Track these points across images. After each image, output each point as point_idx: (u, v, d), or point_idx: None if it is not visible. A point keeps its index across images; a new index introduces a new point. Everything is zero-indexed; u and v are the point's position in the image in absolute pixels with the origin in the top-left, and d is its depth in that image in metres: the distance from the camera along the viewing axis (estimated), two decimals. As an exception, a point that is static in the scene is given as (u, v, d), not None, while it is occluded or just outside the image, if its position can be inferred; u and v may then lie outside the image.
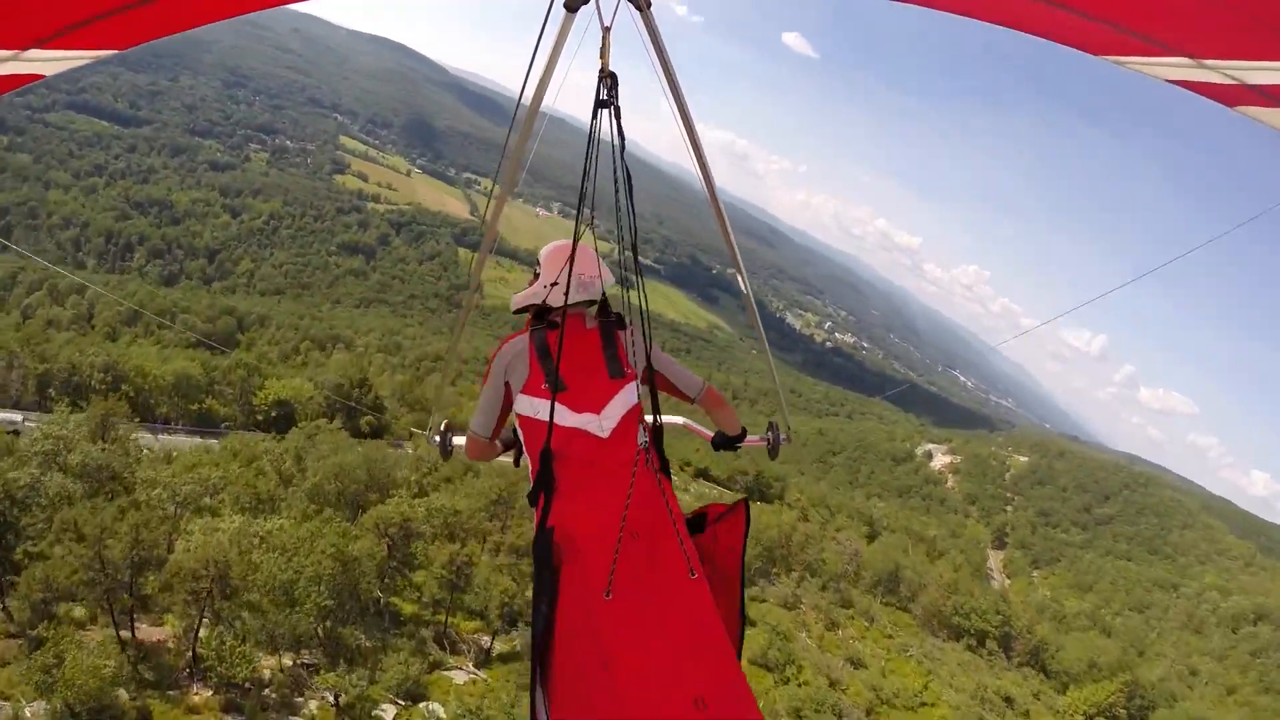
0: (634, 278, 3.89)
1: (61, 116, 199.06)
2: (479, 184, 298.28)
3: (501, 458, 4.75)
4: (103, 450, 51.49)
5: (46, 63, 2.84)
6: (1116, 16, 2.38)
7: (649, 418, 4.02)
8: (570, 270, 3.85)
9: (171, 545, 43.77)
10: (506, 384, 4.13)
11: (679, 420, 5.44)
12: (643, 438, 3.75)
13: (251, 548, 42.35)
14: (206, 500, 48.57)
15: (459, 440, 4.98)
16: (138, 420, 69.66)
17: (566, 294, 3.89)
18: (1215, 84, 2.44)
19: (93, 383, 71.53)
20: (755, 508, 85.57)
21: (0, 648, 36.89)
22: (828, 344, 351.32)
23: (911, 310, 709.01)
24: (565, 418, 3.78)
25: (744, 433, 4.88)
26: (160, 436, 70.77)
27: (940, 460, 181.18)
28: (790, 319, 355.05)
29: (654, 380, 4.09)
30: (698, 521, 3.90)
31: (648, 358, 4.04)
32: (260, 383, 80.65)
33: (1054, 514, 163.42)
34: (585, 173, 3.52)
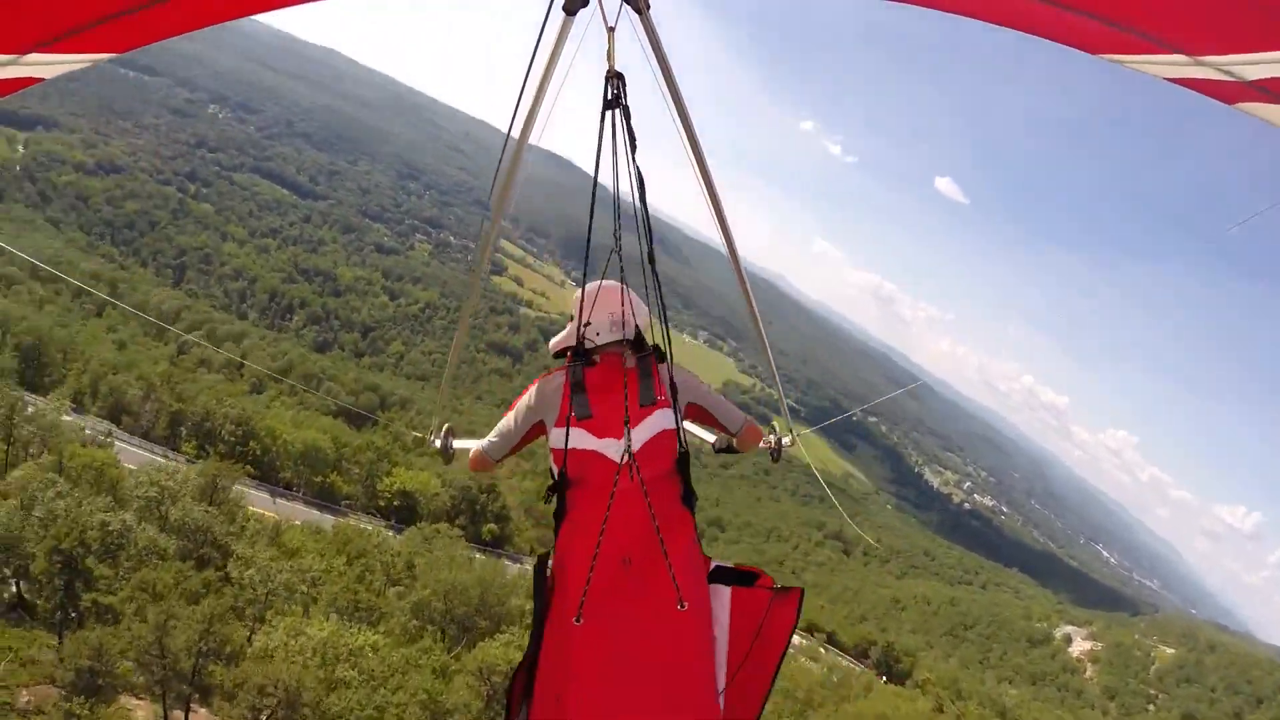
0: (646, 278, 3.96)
1: (248, 178, 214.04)
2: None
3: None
4: (206, 512, 49.33)
5: (46, 66, 2.84)
6: (1113, 13, 2.38)
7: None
8: (582, 302, 4.13)
9: (251, 636, 40.97)
10: (537, 424, 4.18)
11: (690, 428, 4.79)
12: (627, 454, 3.68)
13: (337, 660, 37.77)
14: (302, 589, 44.81)
15: (460, 444, 5.25)
16: (258, 479, 69.64)
17: (581, 319, 4.12)
18: (1212, 80, 2.43)
19: (223, 433, 71.58)
20: (888, 690, 79.62)
21: (40, 694, 34.83)
22: (965, 505, 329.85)
23: (1055, 474, 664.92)
24: (586, 442, 3.80)
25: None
26: (277, 500, 70.14)
27: (1079, 646, 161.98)
28: (929, 475, 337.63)
29: (677, 402, 4.03)
30: (745, 577, 3.85)
31: (670, 379, 4.07)
32: (388, 468, 78.26)
33: (1202, 719, 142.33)
34: (595, 178, 3.59)
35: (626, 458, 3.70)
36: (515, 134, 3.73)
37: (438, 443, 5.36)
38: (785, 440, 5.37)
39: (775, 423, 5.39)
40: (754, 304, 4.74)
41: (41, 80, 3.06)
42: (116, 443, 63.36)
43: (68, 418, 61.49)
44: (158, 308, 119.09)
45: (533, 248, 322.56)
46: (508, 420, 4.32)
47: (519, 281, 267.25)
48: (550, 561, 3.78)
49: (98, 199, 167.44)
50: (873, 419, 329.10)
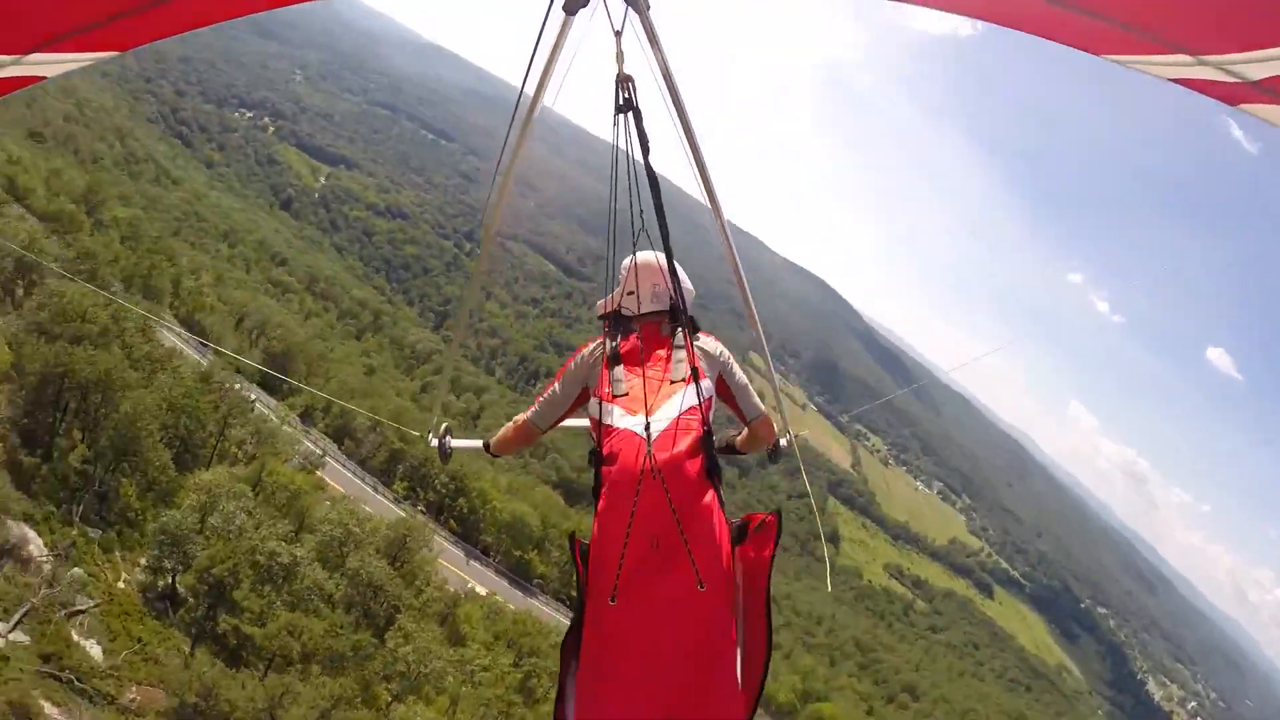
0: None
1: (520, 248, 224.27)
2: (869, 439, 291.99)
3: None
4: (386, 569, 46.78)
5: (48, 65, 2.90)
6: (1113, 13, 2.39)
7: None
8: (622, 278, 4.37)
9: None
10: (584, 389, 4.28)
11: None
12: (652, 430, 3.71)
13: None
14: (454, 680, 42.01)
15: (458, 444, 5.31)
16: (459, 536, 70.46)
17: (623, 288, 4.38)
18: (1215, 81, 2.41)
19: (435, 483, 71.87)
20: None
21: (149, 696, 34.34)
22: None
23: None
24: (622, 420, 3.87)
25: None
26: (471, 562, 69.96)
27: None
28: (1151, 685, 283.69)
29: (698, 379, 4.00)
30: (740, 531, 3.90)
31: (693, 366, 4.02)
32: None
33: None
34: (614, 181, 3.62)
35: (648, 442, 3.71)
36: (515, 134, 3.73)
37: (434, 442, 5.32)
38: (783, 441, 5.24)
39: (774, 423, 5.00)
40: (749, 298, 4.67)
41: (44, 79, 3.09)
42: (330, 461, 64.62)
43: (289, 429, 61.95)
44: (412, 346, 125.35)
45: (781, 366, 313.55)
46: (555, 389, 4.36)
47: (761, 397, 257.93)
48: (589, 538, 3.78)
49: (381, 237, 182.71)
50: (1102, 609, 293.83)
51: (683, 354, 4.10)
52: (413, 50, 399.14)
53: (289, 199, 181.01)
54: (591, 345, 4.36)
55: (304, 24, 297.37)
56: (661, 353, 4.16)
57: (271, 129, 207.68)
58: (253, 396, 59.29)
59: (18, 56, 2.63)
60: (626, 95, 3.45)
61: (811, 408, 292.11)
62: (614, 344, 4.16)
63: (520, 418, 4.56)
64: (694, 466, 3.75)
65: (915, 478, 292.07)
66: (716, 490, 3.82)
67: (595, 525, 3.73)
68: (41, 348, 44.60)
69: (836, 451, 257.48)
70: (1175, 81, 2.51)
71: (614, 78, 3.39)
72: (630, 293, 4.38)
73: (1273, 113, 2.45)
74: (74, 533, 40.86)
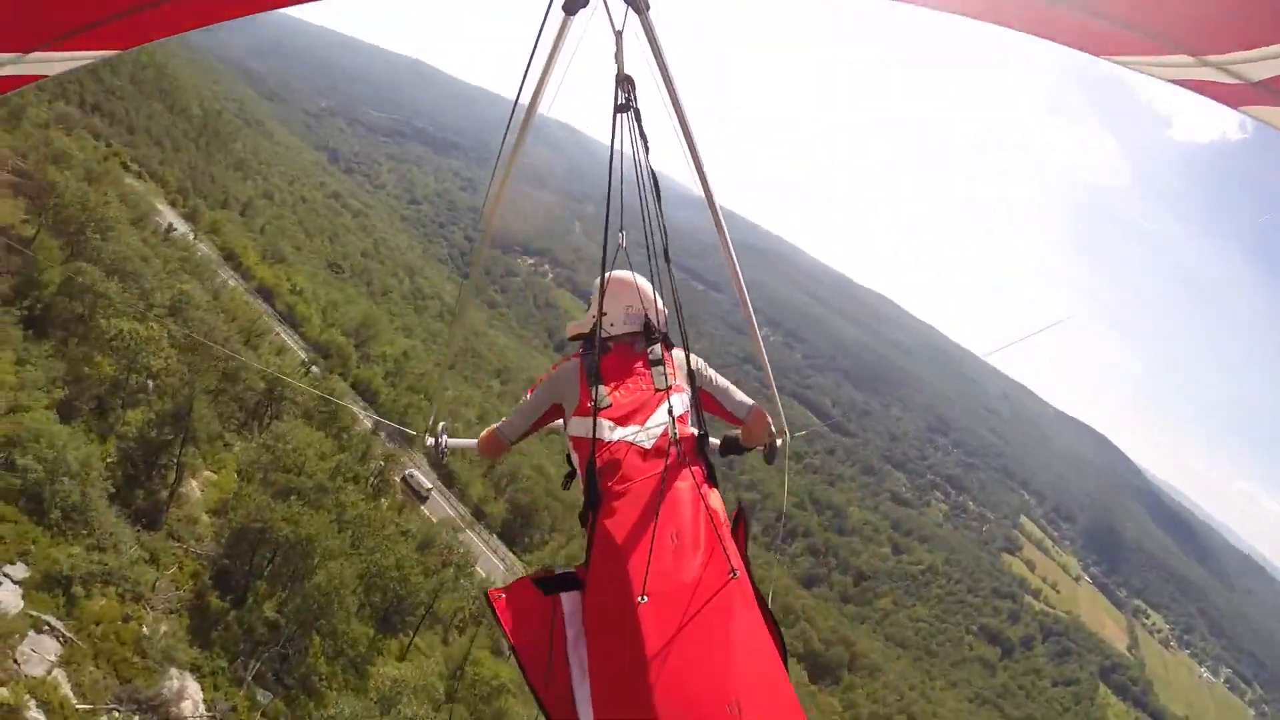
0: (659, 281, 4.30)
1: (786, 400, 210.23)
2: (1149, 616, 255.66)
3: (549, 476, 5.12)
4: None
5: (50, 64, 2.92)
6: (1114, 13, 2.40)
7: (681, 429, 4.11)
8: (601, 295, 4.40)
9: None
10: (555, 405, 4.43)
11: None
12: (672, 432, 3.91)
13: None
14: None
15: (455, 443, 5.44)
16: None
17: (599, 308, 4.48)
18: (1217, 82, 2.41)
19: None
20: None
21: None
22: None
23: None
24: (611, 433, 4.00)
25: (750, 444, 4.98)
26: None
27: None
28: None
29: (697, 392, 4.29)
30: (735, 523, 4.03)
31: (689, 369, 4.34)
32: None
33: None
34: (610, 181, 3.69)
35: (655, 444, 3.92)
36: (514, 134, 3.77)
37: (431, 441, 5.46)
38: (778, 441, 5.21)
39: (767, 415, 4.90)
40: (746, 296, 4.67)
41: (44, 78, 3.10)
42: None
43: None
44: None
45: (1054, 530, 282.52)
46: (529, 401, 4.53)
47: (1030, 565, 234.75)
48: (589, 552, 3.78)
49: None
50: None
51: (660, 368, 4.27)
52: (690, 205, 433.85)
53: (562, 341, 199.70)
54: (566, 363, 4.49)
55: (588, 174, 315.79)
56: (639, 367, 4.30)
57: (550, 275, 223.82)
58: (481, 548, 58.64)
59: (18, 55, 2.66)
60: (627, 96, 3.53)
61: (1086, 579, 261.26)
62: (594, 361, 4.24)
63: (493, 427, 4.75)
64: (696, 469, 3.91)
65: (1200, 663, 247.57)
66: (716, 489, 3.96)
67: (605, 534, 3.71)
68: (254, 492, 44.63)
69: (1111, 629, 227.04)
70: (1177, 83, 2.54)
71: (614, 77, 3.46)
72: (604, 314, 4.51)
73: (1274, 115, 2.45)
74: (240, 694, 38.75)
